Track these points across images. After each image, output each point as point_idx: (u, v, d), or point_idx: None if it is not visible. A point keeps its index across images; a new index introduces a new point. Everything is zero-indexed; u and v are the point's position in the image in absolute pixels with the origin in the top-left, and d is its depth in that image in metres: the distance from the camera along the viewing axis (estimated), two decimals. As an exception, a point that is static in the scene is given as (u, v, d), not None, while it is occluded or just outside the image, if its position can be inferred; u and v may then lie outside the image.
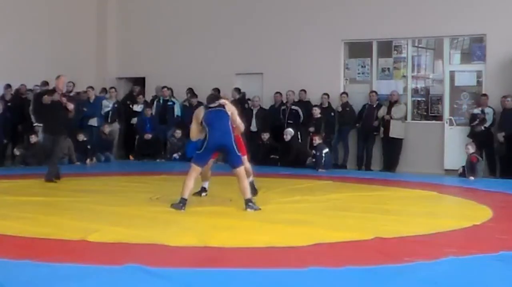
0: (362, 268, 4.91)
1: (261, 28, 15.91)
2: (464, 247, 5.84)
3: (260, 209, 7.75)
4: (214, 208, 7.91)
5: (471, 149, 12.56)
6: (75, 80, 14.85)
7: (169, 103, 16.10)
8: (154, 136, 15.83)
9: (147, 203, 8.30)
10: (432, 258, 5.24)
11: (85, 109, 15.21)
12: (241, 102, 14.82)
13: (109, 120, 15.67)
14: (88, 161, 14.34)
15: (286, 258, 5.31)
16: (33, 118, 14.44)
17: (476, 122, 13.14)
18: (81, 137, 14.41)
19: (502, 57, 13.42)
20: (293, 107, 14.86)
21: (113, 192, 9.47)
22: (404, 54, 14.75)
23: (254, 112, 15.08)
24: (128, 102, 16.56)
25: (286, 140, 14.35)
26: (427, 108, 14.60)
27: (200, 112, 8.04)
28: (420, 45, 15.18)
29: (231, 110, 8.07)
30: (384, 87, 14.70)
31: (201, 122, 7.93)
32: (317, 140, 13.76)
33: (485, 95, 13.34)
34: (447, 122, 14.04)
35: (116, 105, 15.93)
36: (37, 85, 14.81)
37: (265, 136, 14.68)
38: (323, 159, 13.54)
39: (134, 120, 16.14)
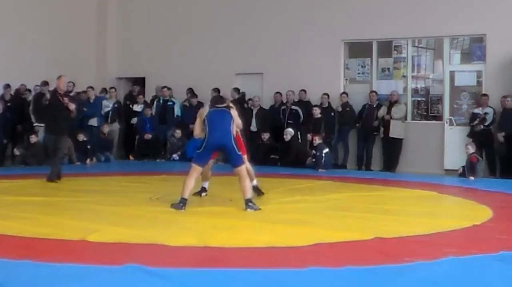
0: (362, 268, 4.91)
1: (261, 28, 15.91)
2: (464, 247, 5.84)
3: (260, 209, 7.75)
4: (214, 208, 7.91)
5: (471, 149, 12.56)
6: (75, 80, 14.85)
7: (169, 103, 16.10)
8: (154, 136, 15.83)
9: (147, 203, 8.30)
10: (432, 258, 5.23)
11: (85, 109, 15.21)
12: (240, 102, 14.83)
13: (109, 120, 15.68)
14: (88, 161, 14.35)
15: (286, 258, 5.31)
16: (33, 118, 14.47)
17: (476, 121, 13.14)
18: (81, 137, 14.42)
19: (502, 57, 13.42)
20: (293, 107, 14.87)
21: (113, 192, 9.47)
22: (404, 54, 14.75)
23: (254, 112, 15.08)
24: (128, 102, 16.57)
25: (286, 140, 14.35)
26: (427, 108, 14.60)
27: (204, 111, 8.11)
28: (420, 45, 15.18)
29: (234, 114, 8.09)
30: (384, 87, 14.70)
31: (204, 120, 7.96)
32: (317, 140, 13.76)
33: (485, 95, 13.34)
34: (447, 122, 14.04)
35: (116, 105, 15.94)
36: (37, 85, 14.82)
37: (265, 136, 14.68)
38: (323, 159, 13.54)
39: (134, 120, 16.15)
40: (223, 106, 8.11)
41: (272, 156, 14.53)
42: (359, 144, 14.64)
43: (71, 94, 13.47)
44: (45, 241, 5.82)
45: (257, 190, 8.55)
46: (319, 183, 11.29)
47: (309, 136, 14.33)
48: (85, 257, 5.17)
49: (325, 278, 4.63)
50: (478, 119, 13.15)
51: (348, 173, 13.41)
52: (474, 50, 14.37)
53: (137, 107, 16.30)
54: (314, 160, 13.75)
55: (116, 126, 15.92)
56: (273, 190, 9.44)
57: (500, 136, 12.91)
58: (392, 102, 14.16)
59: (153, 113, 16.05)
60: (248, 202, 7.74)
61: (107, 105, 15.81)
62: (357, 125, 14.59)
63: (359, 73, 15.19)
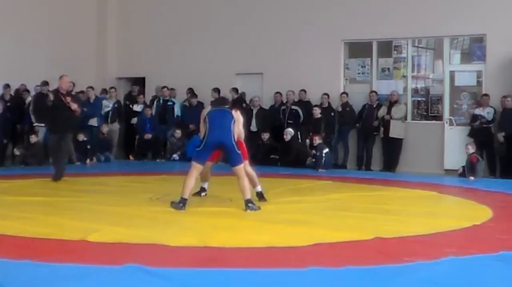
0: (362, 268, 4.91)
1: (261, 28, 15.91)
2: (464, 247, 5.83)
3: (259, 208, 7.75)
4: (214, 208, 7.91)
5: (471, 149, 12.56)
6: (75, 80, 14.82)
7: (169, 103, 16.10)
8: (154, 136, 15.84)
9: (147, 203, 8.30)
10: (432, 258, 5.23)
11: (85, 109, 15.21)
12: (239, 101, 14.85)
13: (109, 120, 15.68)
14: (88, 161, 14.35)
15: (286, 258, 5.31)
16: (33, 118, 14.46)
17: (477, 123, 13.15)
18: (81, 137, 14.41)
19: (502, 57, 13.42)
20: (293, 107, 14.87)
21: (113, 192, 9.47)
22: (404, 54, 14.75)
23: (254, 112, 15.08)
24: (128, 102, 16.58)
25: (286, 140, 14.35)
26: (427, 108, 14.60)
27: (206, 111, 8.13)
28: (420, 45, 15.18)
29: (237, 117, 8.09)
30: (384, 87, 14.70)
31: (205, 119, 7.98)
32: (317, 140, 13.76)
33: (486, 95, 13.34)
34: (447, 122, 14.05)
35: (116, 105, 15.95)
36: (37, 85, 14.83)
37: (265, 136, 14.68)
38: (323, 159, 13.54)
39: (134, 120, 16.16)
40: (225, 106, 8.12)
41: (272, 156, 14.53)
42: (359, 144, 14.64)
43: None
44: (45, 241, 5.82)
45: (261, 196, 8.51)
46: (319, 183, 11.29)
47: (307, 141, 14.34)
48: (85, 257, 5.17)
49: (325, 278, 4.63)
50: (478, 121, 13.14)
51: (348, 173, 13.41)
52: (474, 50, 14.37)
53: (137, 107, 16.31)
54: (314, 160, 13.75)
55: (116, 126, 15.92)
56: (273, 190, 9.43)
57: (500, 136, 12.91)
58: (392, 102, 14.17)
59: (153, 113, 16.05)
60: (248, 203, 7.73)
61: (107, 105, 15.82)
62: (357, 125, 14.59)
63: (359, 73, 15.19)
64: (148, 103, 16.49)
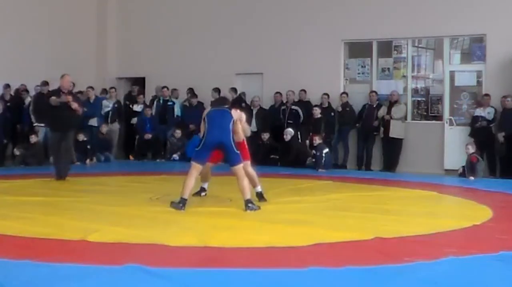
0: (362, 268, 4.91)
1: (261, 28, 15.91)
2: (464, 247, 5.83)
3: (259, 208, 7.76)
4: (214, 208, 7.91)
5: (471, 149, 12.57)
6: (75, 80, 14.76)
7: (169, 103, 16.11)
8: (154, 136, 15.84)
9: (147, 203, 8.30)
10: (432, 258, 5.23)
11: (85, 109, 15.21)
12: (239, 101, 14.87)
13: (109, 120, 15.68)
14: (88, 161, 14.34)
15: (286, 258, 5.31)
16: (33, 118, 14.46)
17: (478, 124, 13.15)
18: (81, 137, 14.41)
19: (502, 57, 13.42)
20: (293, 107, 14.87)
21: (113, 192, 9.47)
22: (404, 54, 14.75)
23: (254, 112, 15.08)
24: (128, 102, 16.58)
25: (286, 140, 14.35)
26: (427, 108, 14.60)
27: (206, 111, 8.18)
28: (420, 45, 15.18)
29: (238, 116, 8.09)
30: (384, 87, 14.70)
31: (204, 119, 8.01)
32: (317, 140, 13.77)
33: (487, 95, 13.33)
34: (447, 122, 14.05)
35: (116, 105, 15.95)
36: (37, 85, 14.83)
37: (265, 136, 14.68)
38: (323, 159, 13.54)
39: (134, 120, 16.16)
40: (225, 106, 8.14)
41: (272, 156, 14.53)
42: (359, 144, 14.64)
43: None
44: (45, 241, 5.82)
45: (260, 196, 8.51)
46: (319, 183, 11.29)
47: (307, 141, 14.35)
48: (85, 257, 5.17)
49: (325, 278, 4.63)
50: (479, 123, 13.14)
51: (348, 173, 13.41)
52: (474, 50, 14.37)
53: (137, 107, 16.31)
54: (314, 160, 13.75)
55: (116, 126, 15.92)
56: (273, 190, 9.43)
57: (500, 136, 12.91)
58: (392, 102, 14.17)
59: (153, 113, 16.05)
60: (247, 203, 7.73)
61: (107, 105, 15.82)
62: (357, 125, 14.59)
63: (359, 73, 15.19)
64: (148, 103, 16.49)
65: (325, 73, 15.03)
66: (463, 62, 14.62)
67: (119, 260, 4.93)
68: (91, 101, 15.61)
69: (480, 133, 13.15)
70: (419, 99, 14.79)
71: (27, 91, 15.18)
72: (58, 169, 10.93)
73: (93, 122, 15.49)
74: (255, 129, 14.88)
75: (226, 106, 8.23)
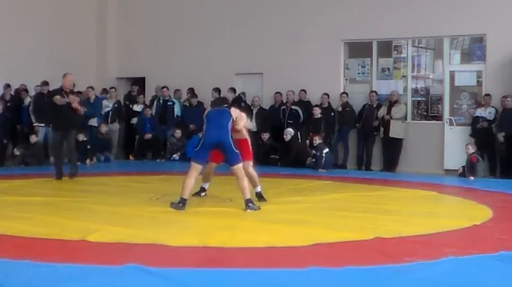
0: (362, 268, 4.92)
1: (261, 28, 15.91)
2: (464, 247, 5.84)
3: (259, 208, 7.76)
4: (214, 208, 7.91)
5: (471, 149, 12.57)
6: (75, 80, 14.78)
7: (169, 103, 16.11)
8: (154, 136, 15.84)
9: (147, 203, 8.30)
10: (432, 258, 5.24)
11: (85, 108, 15.21)
12: (238, 101, 14.86)
13: (109, 120, 15.68)
14: (88, 161, 14.34)
15: (286, 258, 5.31)
16: (33, 118, 14.47)
17: (479, 126, 13.15)
18: (81, 137, 14.40)
19: (502, 57, 13.42)
20: (293, 107, 14.86)
21: (113, 192, 9.48)
22: (404, 54, 14.75)
23: (254, 112, 15.08)
24: (128, 102, 16.58)
25: (286, 140, 14.35)
26: (427, 108, 14.60)
27: (206, 112, 8.25)
28: (420, 45, 15.17)
29: (238, 114, 8.12)
30: (384, 87, 14.70)
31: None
32: (317, 140, 13.77)
33: (488, 95, 13.33)
34: (447, 122, 14.04)
35: (116, 105, 15.95)
36: (37, 85, 14.83)
37: (265, 136, 14.68)
38: (323, 159, 13.54)
39: (134, 120, 16.16)
40: (224, 106, 8.16)
41: (272, 156, 14.53)
42: (359, 144, 14.63)
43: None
44: (45, 241, 5.82)
45: (260, 197, 8.51)
46: (319, 183, 11.29)
47: (307, 141, 14.35)
48: (85, 257, 5.17)
49: (325, 278, 4.63)
50: (480, 124, 13.14)
51: (348, 173, 13.41)
52: (474, 50, 14.36)
53: (137, 107, 16.31)
54: (314, 160, 13.75)
55: (116, 126, 15.92)
56: (273, 190, 9.44)
57: (500, 136, 12.91)
58: (392, 102, 14.16)
59: (153, 113, 16.05)
60: (248, 203, 7.74)
61: (107, 105, 15.82)
62: (357, 125, 14.58)
63: (359, 73, 15.18)
64: (148, 103, 16.49)
65: (325, 73, 15.03)
66: (463, 62, 14.61)
67: (119, 260, 4.93)
68: (91, 101, 15.61)
69: (481, 133, 13.15)
70: (419, 99, 14.78)
71: (26, 91, 15.18)
72: (58, 169, 10.96)
73: (93, 122, 15.49)
74: (255, 129, 14.90)
75: (225, 105, 8.24)
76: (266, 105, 15.47)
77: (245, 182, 7.86)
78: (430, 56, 15.26)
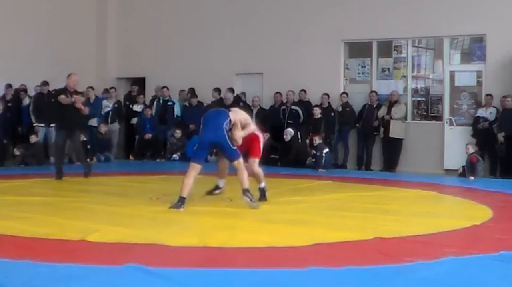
0: (362, 268, 4.91)
1: (261, 28, 15.91)
2: (464, 247, 5.83)
3: (256, 202, 7.82)
4: (214, 208, 7.91)
5: (471, 149, 12.58)
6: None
7: (169, 103, 16.11)
8: (154, 136, 15.84)
9: (147, 203, 8.30)
10: (432, 258, 5.23)
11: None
12: (237, 101, 14.89)
13: (109, 120, 15.68)
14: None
15: (286, 258, 5.30)
16: (33, 118, 14.47)
17: (480, 126, 13.15)
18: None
19: (502, 57, 13.42)
20: (293, 107, 14.87)
21: (113, 192, 9.47)
22: (404, 54, 14.75)
23: (254, 112, 15.07)
24: (128, 102, 16.58)
25: (286, 140, 14.35)
26: (427, 108, 14.60)
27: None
28: (420, 45, 15.18)
29: (238, 114, 8.14)
30: (384, 87, 14.71)
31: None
32: (317, 140, 13.77)
33: (489, 95, 13.32)
34: (447, 122, 14.04)
35: (116, 105, 15.95)
36: (37, 85, 14.83)
37: (265, 136, 14.66)
38: (323, 159, 13.54)
39: (134, 120, 16.16)
40: (222, 108, 8.24)
41: (272, 156, 14.52)
42: (359, 144, 14.64)
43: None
44: (45, 241, 5.82)
45: (262, 193, 8.49)
46: (319, 183, 11.29)
47: (307, 141, 14.35)
48: (85, 257, 5.17)
49: (325, 278, 4.63)
50: (481, 124, 13.14)
51: (348, 173, 13.41)
52: (474, 50, 14.37)
53: (137, 107, 16.31)
54: (314, 160, 13.76)
55: (116, 126, 15.93)
56: (273, 190, 9.42)
57: (500, 136, 12.92)
58: (392, 102, 14.16)
59: (153, 113, 16.05)
60: (245, 192, 7.79)
61: (107, 105, 15.82)
62: (357, 125, 14.59)
63: (359, 73, 15.19)
64: (148, 103, 16.49)
65: (325, 73, 15.03)
66: (463, 62, 14.61)
67: (119, 260, 4.93)
68: (91, 101, 15.60)
69: (482, 133, 13.15)
70: (419, 99, 14.78)
71: (25, 91, 15.18)
72: (58, 169, 10.98)
73: (93, 122, 15.49)
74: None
75: (224, 108, 8.31)
76: (266, 105, 15.47)
77: (245, 174, 7.91)
78: (430, 56, 15.26)
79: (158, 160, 15.51)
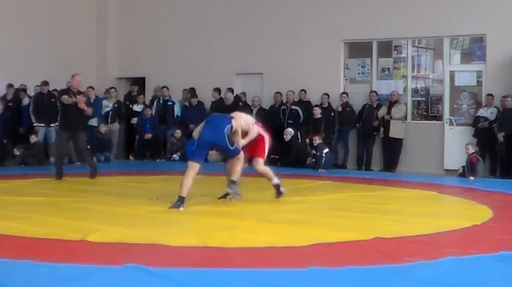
0: (362, 268, 4.91)
1: (261, 28, 15.91)
2: (464, 247, 5.83)
3: (239, 196, 8.18)
4: (214, 208, 7.91)
5: (471, 149, 12.58)
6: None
7: (169, 103, 16.11)
8: (154, 136, 15.84)
9: (147, 203, 8.30)
10: (432, 258, 5.23)
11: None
12: (237, 101, 14.88)
13: (109, 120, 15.68)
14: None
15: (286, 258, 5.30)
16: (33, 118, 14.47)
17: (480, 125, 13.15)
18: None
19: (502, 57, 13.42)
20: (293, 107, 14.87)
21: (113, 192, 9.46)
22: (404, 54, 14.75)
23: (254, 112, 15.06)
24: (127, 102, 16.58)
25: (286, 140, 14.35)
26: (427, 108, 14.60)
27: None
28: (420, 45, 15.18)
29: (237, 123, 8.19)
30: (384, 87, 14.71)
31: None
32: (317, 140, 13.77)
33: (490, 95, 13.32)
34: (447, 122, 14.05)
35: (116, 105, 15.95)
36: (37, 85, 14.83)
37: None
38: (323, 159, 13.54)
39: (134, 120, 16.16)
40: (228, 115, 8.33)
41: (272, 156, 14.48)
42: (359, 144, 14.64)
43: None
44: (45, 241, 5.82)
45: (278, 189, 8.51)
46: (319, 183, 11.29)
47: (307, 141, 14.35)
48: (85, 257, 5.17)
49: (325, 278, 4.63)
50: (481, 124, 13.14)
51: (348, 173, 13.41)
52: (474, 50, 14.37)
53: (137, 107, 16.31)
54: (314, 160, 13.76)
55: (116, 126, 15.93)
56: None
57: (500, 136, 12.92)
58: (392, 102, 14.17)
59: (153, 113, 16.05)
60: (231, 182, 8.04)
61: (107, 105, 15.82)
62: (357, 125, 14.59)
63: (359, 73, 15.19)
64: (148, 103, 16.49)
65: (325, 73, 15.03)
66: (463, 62, 14.61)
67: (119, 260, 4.93)
68: (91, 101, 15.59)
69: (483, 133, 13.15)
70: (419, 99, 14.79)
71: (24, 91, 15.17)
72: (59, 169, 10.98)
73: (93, 122, 15.48)
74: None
75: (226, 111, 8.37)
76: (266, 105, 15.47)
77: (239, 166, 8.09)
78: (430, 56, 15.27)
79: (158, 160, 15.51)
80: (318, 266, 4.85)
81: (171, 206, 7.69)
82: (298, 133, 14.54)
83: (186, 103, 16.06)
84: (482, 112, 13.34)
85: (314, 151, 13.80)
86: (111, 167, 14.27)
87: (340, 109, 14.72)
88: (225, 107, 14.45)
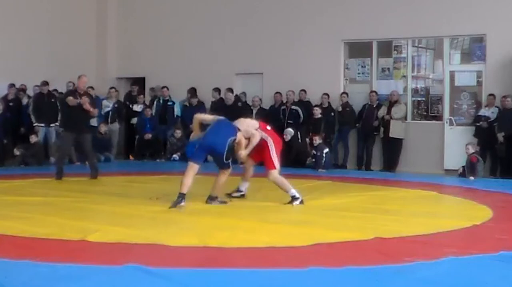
0: (362, 268, 4.91)
1: (261, 28, 15.91)
2: (464, 247, 5.83)
3: (225, 202, 8.16)
4: (214, 208, 7.92)
5: (471, 149, 12.58)
6: (75, 80, 14.83)
7: (169, 103, 16.11)
8: (154, 136, 15.84)
9: (147, 203, 8.30)
10: (432, 258, 5.23)
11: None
12: (237, 101, 14.87)
13: (109, 120, 15.68)
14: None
15: (286, 258, 5.30)
16: (33, 118, 14.47)
17: (479, 124, 13.15)
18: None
19: (502, 57, 13.42)
20: (293, 107, 14.86)
21: (113, 192, 9.46)
22: (404, 54, 14.76)
23: (254, 112, 15.07)
24: (127, 102, 16.58)
25: (286, 140, 14.33)
26: (427, 108, 14.60)
27: (217, 117, 8.48)
28: (420, 45, 15.18)
29: (241, 133, 8.19)
30: (384, 87, 14.71)
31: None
32: (317, 140, 13.77)
33: (492, 95, 13.31)
34: (447, 122, 14.05)
35: (116, 105, 15.95)
36: (37, 85, 14.83)
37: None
38: (323, 159, 13.55)
39: (134, 120, 16.16)
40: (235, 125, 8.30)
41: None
42: (359, 144, 14.64)
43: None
44: (45, 241, 5.82)
45: (295, 199, 8.32)
46: (319, 183, 11.29)
47: (307, 141, 14.35)
48: (85, 257, 5.17)
49: (325, 278, 4.63)
50: (481, 123, 13.14)
51: (348, 173, 13.41)
52: (474, 50, 14.37)
53: (137, 107, 16.32)
54: (314, 160, 13.76)
55: (116, 126, 15.93)
56: (273, 190, 9.41)
57: (500, 136, 12.92)
58: (392, 102, 14.17)
59: (153, 113, 16.06)
60: (211, 198, 8.08)
61: (107, 105, 15.82)
62: (357, 125, 14.59)
63: (359, 73, 15.19)
64: (148, 103, 16.49)
65: (325, 73, 15.04)
66: (463, 62, 14.62)
67: (119, 260, 4.93)
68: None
69: (483, 133, 13.15)
70: (419, 99, 14.79)
71: (24, 91, 15.17)
72: (59, 169, 10.98)
73: (93, 122, 15.44)
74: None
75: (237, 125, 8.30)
76: (266, 105, 15.47)
77: (221, 181, 8.11)
78: (430, 56, 15.27)
79: (158, 160, 15.52)
80: (318, 266, 4.85)
81: (172, 205, 7.69)
82: (298, 133, 14.53)
83: (186, 103, 16.05)
84: (484, 112, 13.34)
85: (314, 151, 13.80)
86: (111, 167, 14.26)
87: (340, 109, 14.72)
88: (225, 107, 14.46)
